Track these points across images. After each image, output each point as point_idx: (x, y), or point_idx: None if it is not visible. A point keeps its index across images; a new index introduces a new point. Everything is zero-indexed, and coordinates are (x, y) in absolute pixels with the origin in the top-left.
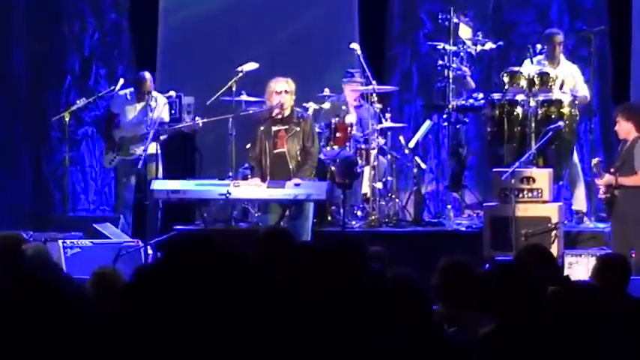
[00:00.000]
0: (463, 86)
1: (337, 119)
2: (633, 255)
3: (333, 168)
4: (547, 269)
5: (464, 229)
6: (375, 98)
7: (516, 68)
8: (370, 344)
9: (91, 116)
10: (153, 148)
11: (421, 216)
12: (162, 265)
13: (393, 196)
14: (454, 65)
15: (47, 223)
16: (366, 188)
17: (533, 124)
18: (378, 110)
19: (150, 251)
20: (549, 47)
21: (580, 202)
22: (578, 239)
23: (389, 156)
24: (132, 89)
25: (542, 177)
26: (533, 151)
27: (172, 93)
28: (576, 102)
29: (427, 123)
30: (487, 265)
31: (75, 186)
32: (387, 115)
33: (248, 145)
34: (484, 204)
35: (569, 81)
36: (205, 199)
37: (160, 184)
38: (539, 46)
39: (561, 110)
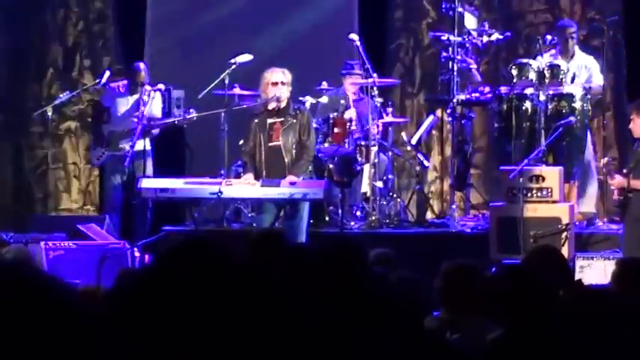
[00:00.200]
0: (468, 79)
1: (335, 114)
2: None
3: (331, 165)
4: (558, 272)
5: (469, 230)
6: (376, 92)
7: (525, 60)
8: (369, 351)
9: (75, 111)
10: (141, 144)
11: (424, 216)
12: (153, 271)
13: (395, 196)
14: (459, 57)
15: (28, 224)
16: (365, 187)
17: (542, 120)
18: (378, 105)
19: (137, 254)
20: (561, 39)
21: (589, 203)
22: (590, 241)
23: (390, 153)
24: (125, 81)
25: (552, 175)
26: (542, 147)
27: (161, 86)
28: (588, 96)
29: (430, 118)
30: (493, 269)
31: (57, 184)
32: (389, 110)
33: (241, 141)
34: (490, 204)
35: (583, 73)
36: (196, 198)
37: (148, 183)
38: (549, 37)
39: (572, 105)
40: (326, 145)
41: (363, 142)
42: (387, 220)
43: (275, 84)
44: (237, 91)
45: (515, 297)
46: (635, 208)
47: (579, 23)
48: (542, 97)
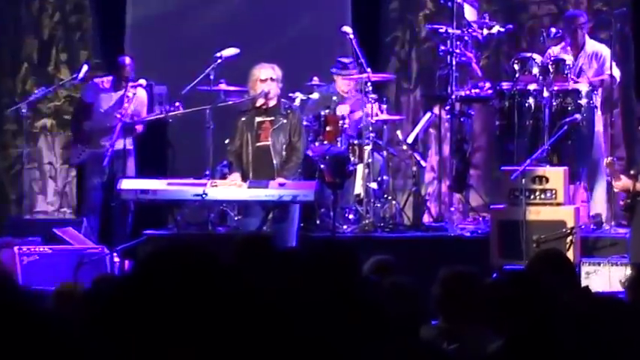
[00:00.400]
0: (468, 74)
1: (327, 111)
2: None
3: (322, 166)
4: (564, 279)
5: (468, 234)
6: (370, 88)
7: (528, 54)
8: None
9: (51, 107)
10: (122, 142)
11: (421, 220)
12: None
13: (390, 198)
14: (458, 51)
15: (0, 227)
16: (359, 188)
17: (546, 117)
18: (372, 101)
19: (117, 259)
20: (569, 31)
21: (598, 206)
22: (597, 246)
23: (385, 152)
24: (110, 77)
25: (556, 176)
26: (546, 147)
27: (142, 81)
28: (596, 92)
29: (427, 116)
30: (494, 275)
31: (32, 185)
32: (383, 107)
33: (227, 140)
34: (491, 206)
35: (594, 64)
36: (179, 200)
37: (128, 184)
38: (553, 30)
39: (578, 101)
40: (317, 144)
41: (356, 141)
42: (382, 224)
43: (264, 80)
44: (223, 86)
45: (518, 305)
46: None
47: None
48: (546, 94)
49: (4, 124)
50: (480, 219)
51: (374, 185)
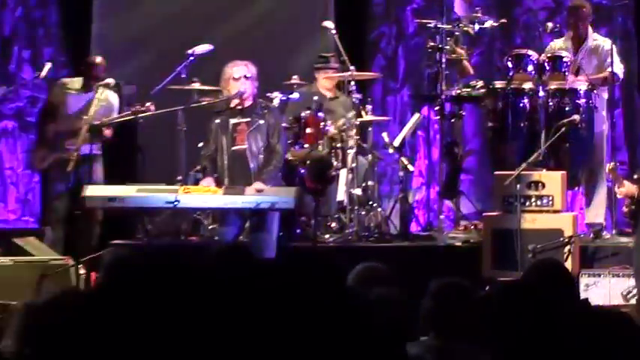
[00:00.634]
0: (459, 72)
1: (308, 112)
2: None
3: (302, 171)
4: (562, 291)
5: (459, 244)
6: (354, 87)
7: (523, 51)
8: None
9: (12, 108)
10: (89, 147)
11: (408, 229)
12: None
13: (375, 205)
14: (448, 47)
15: None
16: (342, 195)
17: (543, 118)
18: (357, 101)
19: (82, 271)
20: (571, 22)
21: (597, 213)
22: (597, 256)
23: (370, 156)
24: (80, 78)
25: (553, 182)
26: (542, 150)
27: (110, 81)
28: (595, 91)
29: (416, 116)
30: (487, 288)
31: None
32: (368, 108)
33: (201, 144)
34: (484, 214)
35: (595, 60)
36: (149, 208)
37: (95, 191)
38: (549, 25)
39: (577, 101)
40: (297, 147)
41: (339, 144)
42: (366, 233)
43: (237, 79)
44: (196, 86)
45: (513, 320)
46: None
47: None
48: (542, 93)
49: None
50: (472, 227)
51: (358, 192)
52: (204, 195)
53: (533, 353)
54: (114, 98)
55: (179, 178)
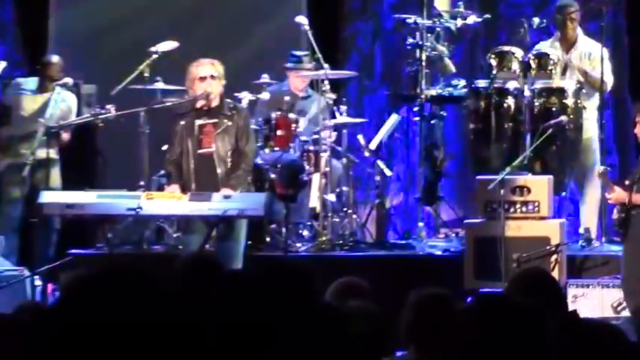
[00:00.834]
0: (440, 71)
1: (279, 113)
2: None
3: (273, 175)
4: (548, 302)
5: (439, 252)
6: (327, 87)
7: (507, 48)
8: None
9: None
10: (45, 151)
11: (385, 237)
12: (58, 309)
13: (350, 212)
14: (428, 44)
15: None
16: (314, 201)
17: (528, 119)
18: (330, 102)
19: (38, 282)
20: (558, 22)
21: (589, 218)
22: (586, 266)
23: (344, 160)
24: (36, 78)
25: (539, 186)
26: (528, 153)
27: (68, 80)
28: (583, 90)
29: (393, 118)
30: (469, 299)
31: None
32: (343, 108)
33: (165, 147)
34: (465, 221)
35: (587, 63)
36: (110, 215)
37: (52, 197)
38: (536, 20)
39: (564, 101)
40: (267, 150)
41: (311, 147)
42: (341, 241)
43: (203, 79)
44: (160, 85)
45: (496, 333)
46: (637, 229)
47: None
48: (527, 93)
49: None
50: (453, 235)
51: (332, 197)
52: (168, 201)
53: None
54: (72, 99)
55: (142, 183)
